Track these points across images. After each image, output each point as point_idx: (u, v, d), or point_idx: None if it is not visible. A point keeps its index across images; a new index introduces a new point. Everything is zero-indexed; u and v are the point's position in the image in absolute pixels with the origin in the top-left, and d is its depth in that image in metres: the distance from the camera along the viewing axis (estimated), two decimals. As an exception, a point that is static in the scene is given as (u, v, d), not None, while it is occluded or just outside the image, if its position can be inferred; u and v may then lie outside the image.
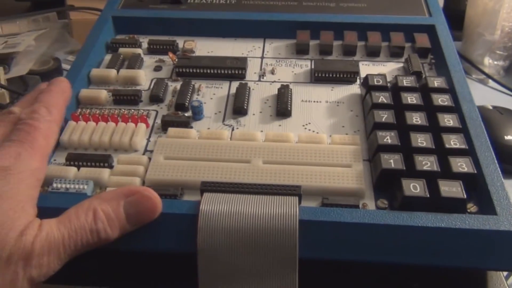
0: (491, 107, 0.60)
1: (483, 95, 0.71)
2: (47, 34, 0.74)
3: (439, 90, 0.37)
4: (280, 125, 0.37)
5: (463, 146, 0.33)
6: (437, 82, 0.38)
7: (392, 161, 0.32)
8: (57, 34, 0.75)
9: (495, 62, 0.74)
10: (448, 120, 0.35)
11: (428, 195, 0.30)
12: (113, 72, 0.41)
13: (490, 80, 0.73)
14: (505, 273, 0.42)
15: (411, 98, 0.37)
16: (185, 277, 0.30)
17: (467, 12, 0.74)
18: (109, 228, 0.28)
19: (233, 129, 0.37)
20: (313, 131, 0.37)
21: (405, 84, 0.38)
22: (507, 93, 0.71)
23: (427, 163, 0.32)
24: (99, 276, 0.32)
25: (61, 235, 0.26)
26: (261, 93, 0.40)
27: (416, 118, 0.35)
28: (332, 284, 0.31)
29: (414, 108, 0.36)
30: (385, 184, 0.32)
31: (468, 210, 0.31)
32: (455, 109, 0.36)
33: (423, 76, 0.40)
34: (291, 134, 0.35)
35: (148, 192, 0.29)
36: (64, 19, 0.77)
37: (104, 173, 0.33)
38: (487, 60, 0.73)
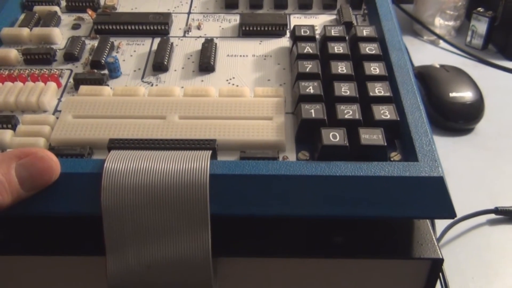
0: (438, 66, 0.59)
1: (434, 56, 0.70)
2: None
3: (367, 39, 0.36)
4: (202, 81, 0.35)
5: (387, 94, 0.32)
6: (366, 31, 0.36)
7: (313, 111, 0.30)
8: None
9: (446, 23, 0.73)
10: (374, 68, 0.33)
11: (347, 144, 0.28)
12: (25, 30, 0.38)
13: (441, 41, 0.73)
14: (438, 230, 0.42)
15: (338, 48, 0.35)
16: (92, 241, 0.28)
17: (417, -28, 0.73)
18: None
19: (152, 86, 0.35)
20: (237, 86, 0.35)
21: (333, 34, 0.36)
22: (457, 53, 0.71)
23: (349, 111, 0.30)
24: (7, 244, 0.30)
25: None
26: (185, 49, 0.38)
27: (342, 68, 0.33)
28: (251, 241, 0.29)
29: (340, 57, 0.34)
30: (306, 135, 0.30)
31: (392, 159, 0.30)
32: (383, 57, 0.34)
33: (354, 25, 0.38)
34: (211, 89, 0.33)
35: (43, 153, 0.27)
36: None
37: (5, 134, 0.30)
38: (438, 21, 0.72)
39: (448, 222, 0.42)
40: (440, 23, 0.72)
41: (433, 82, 0.56)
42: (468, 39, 0.72)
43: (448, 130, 0.54)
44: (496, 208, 0.44)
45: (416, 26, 0.75)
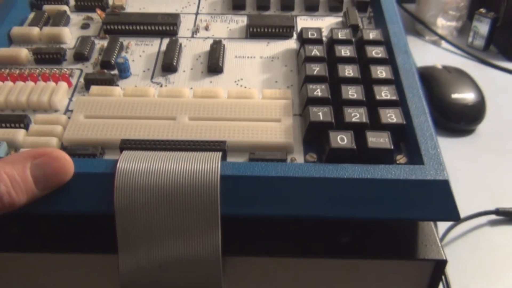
0: (440, 67, 0.60)
1: (436, 56, 0.71)
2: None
3: (374, 43, 0.36)
4: (211, 82, 0.36)
5: (394, 97, 0.32)
6: (372, 34, 0.37)
7: (321, 113, 0.31)
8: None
9: (448, 23, 0.73)
10: (380, 72, 0.34)
11: (355, 147, 0.29)
12: (35, 30, 0.38)
13: (443, 41, 0.73)
14: (441, 230, 0.42)
15: (344, 51, 0.35)
16: (104, 240, 0.28)
17: (420, -28, 0.73)
18: (13, 191, 0.26)
19: (161, 86, 0.35)
20: (245, 87, 0.35)
21: (339, 37, 0.37)
22: (459, 53, 0.71)
23: (356, 114, 0.31)
24: (21, 241, 0.31)
25: None
26: (193, 50, 0.38)
27: (349, 71, 0.34)
28: (259, 240, 0.30)
29: (347, 60, 0.35)
30: (314, 137, 0.31)
31: (398, 162, 0.30)
32: (389, 61, 0.35)
33: (360, 28, 0.38)
34: (220, 90, 0.34)
35: (57, 153, 0.27)
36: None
37: (19, 134, 0.31)
38: (440, 21, 0.73)
39: (450, 222, 0.43)
40: (442, 24, 0.73)
41: (435, 83, 0.57)
42: (470, 39, 0.72)
43: (449, 131, 0.55)
44: (497, 209, 0.45)
45: (418, 26, 0.75)
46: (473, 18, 0.71)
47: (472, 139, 0.54)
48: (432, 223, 0.32)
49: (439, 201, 0.28)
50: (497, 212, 0.45)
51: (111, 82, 0.35)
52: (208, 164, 0.28)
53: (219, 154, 0.29)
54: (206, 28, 0.40)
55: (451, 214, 0.28)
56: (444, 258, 0.29)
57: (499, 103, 0.58)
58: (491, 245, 0.43)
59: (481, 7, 0.71)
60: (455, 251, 0.42)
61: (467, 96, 0.55)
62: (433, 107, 0.55)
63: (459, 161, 0.51)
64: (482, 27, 0.70)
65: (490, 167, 0.51)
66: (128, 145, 0.30)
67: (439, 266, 0.30)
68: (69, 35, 0.39)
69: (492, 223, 0.45)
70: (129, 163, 0.28)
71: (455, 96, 0.55)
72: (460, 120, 0.55)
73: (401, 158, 0.31)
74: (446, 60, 0.68)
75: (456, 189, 0.29)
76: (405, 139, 0.31)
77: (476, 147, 0.53)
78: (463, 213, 0.43)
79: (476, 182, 0.49)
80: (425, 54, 0.71)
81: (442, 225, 0.43)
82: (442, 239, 0.42)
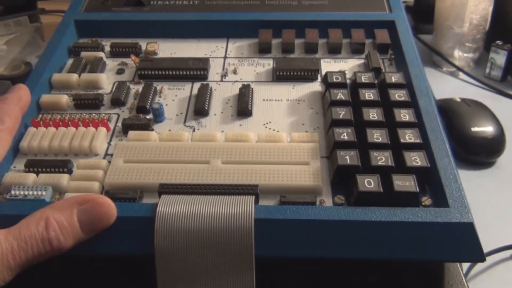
0: (459, 100, 0.61)
1: (454, 87, 0.72)
2: (19, 38, 0.74)
3: (396, 86, 0.38)
4: (241, 125, 0.38)
5: (417, 141, 0.34)
6: (394, 77, 0.38)
7: (348, 157, 0.33)
8: (29, 38, 0.75)
9: (465, 55, 0.75)
10: (404, 115, 0.35)
11: (382, 190, 0.30)
12: (74, 76, 0.41)
13: (460, 73, 0.74)
14: (465, 266, 0.43)
15: (368, 94, 0.37)
16: (144, 279, 0.30)
17: (437, 6, 0.75)
18: (62, 236, 0.28)
19: (194, 130, 0.37)
20: (274, 130, 0.37)
21: (363, 81, 0.38)
22: (476, 84, 0.72)
23: (382, 158, 0.32)
24: (59, 282, 0.32)
25: (9, 245, 0.26)
26: (223, 93, 0.40)
27: (373, 114, 0.35)
28: (291, 281, 0.31)
29: (371, 104, 0.36)
30: (342, 180, 0.33)
31: (423, 203, 0.32)
32: (412, 104, 0.36)
33: (382, 71, 0.40)
34: (250, 134, 0.36)
35: (101, 199, 0.29)
36: (36, 23, 0.77)
37: (63, 179, 0.33)
38: (457, 53, 0.74)
39: (473, 257, 0.44)
40: (459, 55, 0.74)
41: (454, 116, 0.58)
42: (487, 70, 0.73)
43: (470, 164, 0.55)
44: (520, 242, 0.45)
45: (435, 57, 0.77)
46: (490, 50, 0.72)
47: (493, 171, 0.55)
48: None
49: (464, 243, 0.29)
50: (520, 246, 0.45)
51: (147, 126, 0.37)
52: (243, 208, 0.29)
53: (252, 198, 0.30)
54: (234, 72, 0.42)
55: (476, 255, 0.29)
56: (470, 297, 0.30)
57: (518, 135, 0.58)
58: (515, 279, 0.43)
59: (498, 39, 0.72)
60: (479, 285, 0.43)
61: (486, 129, 0.56)
62: (453, 140, 0.56)
63: (480, 194, 0.52)
64: (499, 58, 0.71)
65: (511, 199, 0.51)
66: (166, 189, 0.31)
67: (466, 305, 0.31)
68: (106, 81, 0.41)
69: (516, 257, 0.45)
70: (168, 207, 0.30)
71: (474, 129, 0.56)
72: (481, 153, 0.55)
73: (426, 200, 0.32)
74: (464, 91, 0.69)
75: (477, 222, 0.30)
76: (429, 181, 0.32)
77: (497, 180, 0.54)
78: (485, 247, 0.44)
79: (498, 215, 0.49)
80: (443, 85, 0.72)
81: (466, 260, 0.43)
82: (466, 274, 0.43)
